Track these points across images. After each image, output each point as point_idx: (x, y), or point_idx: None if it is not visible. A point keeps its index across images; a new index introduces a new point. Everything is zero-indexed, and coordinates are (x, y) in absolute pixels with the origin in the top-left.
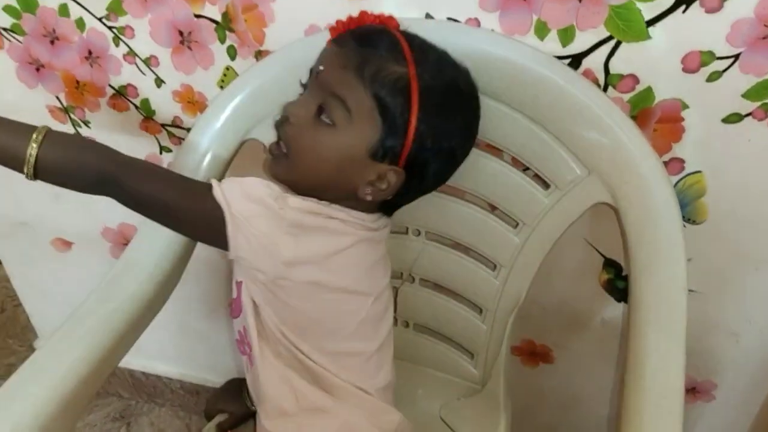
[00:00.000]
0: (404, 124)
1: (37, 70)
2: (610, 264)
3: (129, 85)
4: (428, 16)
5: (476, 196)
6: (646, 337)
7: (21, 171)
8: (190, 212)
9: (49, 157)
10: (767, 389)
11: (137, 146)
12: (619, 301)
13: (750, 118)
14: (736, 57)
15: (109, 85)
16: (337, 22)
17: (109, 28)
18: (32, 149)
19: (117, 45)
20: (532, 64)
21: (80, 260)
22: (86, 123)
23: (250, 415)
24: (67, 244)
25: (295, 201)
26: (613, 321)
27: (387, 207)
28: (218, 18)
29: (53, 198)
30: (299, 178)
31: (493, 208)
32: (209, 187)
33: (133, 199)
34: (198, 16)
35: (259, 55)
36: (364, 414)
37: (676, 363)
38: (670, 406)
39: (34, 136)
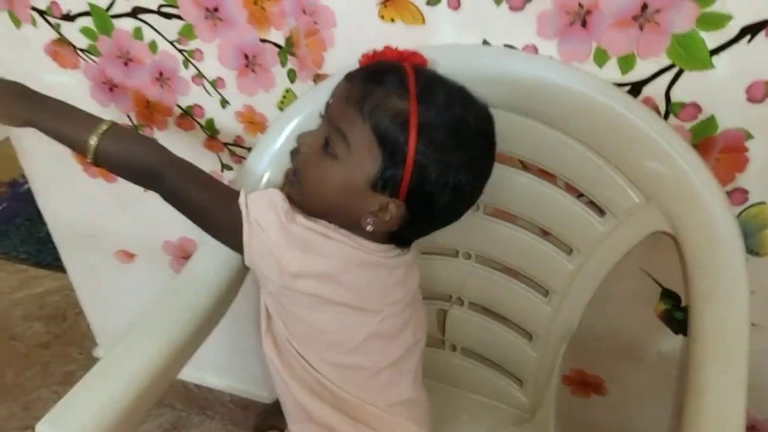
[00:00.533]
0: (402, 156)
1: (110, 89)
2: (667, 294)
3: (195, 105)
4: (485, 42)
5: (529, 221)
6: (706, 370)
7: (87, 157)
8: (216, 213)
9: (108, 149)
10: None
11: (201, 163)
12: (676, 333)
13: None
14: None
15: (177, 105)
16: (363, 55)
17: (180, 51)
18: (93, 140)
19: (186, 67)
20: (589, 91)
21: (141, 272)
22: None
23: None
24: (130, 256)
25: (304, 220)
26: (669, 354)
27: (398, 238)
28: (282, 42)
29: (118, 211)
30: (308, 204)
31: (545, 234)
32: (237, 193)
33: (171, 194)
34: (263, 41)
35: (317, 78)
36: (371, 429)
37: (737, 398)
38: None
39: (99, 128)
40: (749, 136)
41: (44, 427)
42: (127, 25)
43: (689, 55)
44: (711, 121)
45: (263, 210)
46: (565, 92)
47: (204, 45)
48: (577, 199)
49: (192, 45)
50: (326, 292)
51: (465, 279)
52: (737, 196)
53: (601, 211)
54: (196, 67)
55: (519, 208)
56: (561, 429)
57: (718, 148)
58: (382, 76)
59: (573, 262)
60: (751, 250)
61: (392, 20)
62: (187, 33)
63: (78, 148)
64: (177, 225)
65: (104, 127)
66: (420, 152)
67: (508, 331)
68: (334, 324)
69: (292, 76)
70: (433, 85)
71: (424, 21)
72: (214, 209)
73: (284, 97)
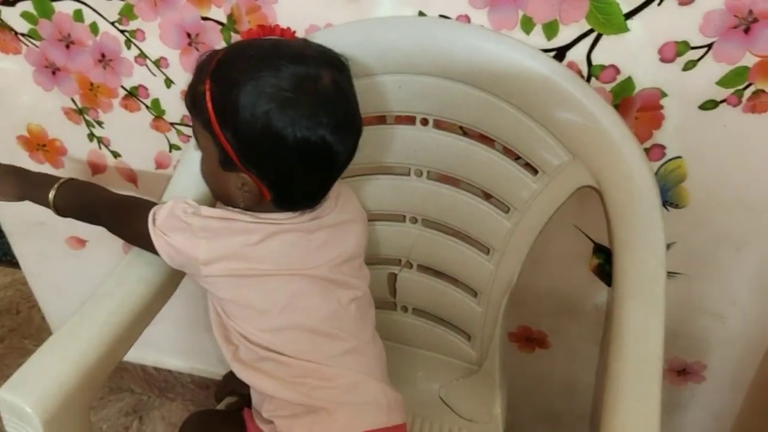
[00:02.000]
0: (216, 135)
1: (53, 73)
2: (599, 249)
3: (140, 86)
4: (421, 13)
5: (470, 183)
6: (627, 308)
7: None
8: (135, 231)
9: (61, 203)
10: (754, 368)
11: (148, 144)
12: (609, 285)
13: (725, 104)
14: (710, 46)
15: (122, 87)
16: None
17: (122, 31)
18: (51, 195)
19: (129, 48)
20: (518, 57)
21: (94, 258)
22: (100, 123)
23: None
24: (82, 242)
25: (207, 210)
26: (604, 306)
27: (289, 203)
28: (224, 20)
29: None
30: (212, 195)
31: (487, 196)
32: (151, 207)
33: (109, 229)
34: (205, 18)
35: None
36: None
37: (656, 331)
38: (651, 372)
39: (55, 185)
40: (664, 95)
41: (6, 393)
42: (67, 7)
43: (606, 19)
44: (629, 82)
45: (164, 217)
46: (496, 59)
47: (145, 24)
48: (515, 161)
49: (133, 25)
50: (239, 270)
51: (413, 243)
52: (655, 152)
53: (534, 171)
54: (138, 48)
55: (461, 172)
56: (506, 377)
57: (637, 107)
58: (197, 70)
59: (510, 220)
60: (671, 203)
61: None
62: (128, 13)
63: (48, 205)
64: None
65: (58, 183)
66: (224, 126)
67: (454, 290)
68: (256, 294)
69: None
70: (233, 60)
71: None
72: (133, 230)
73: None
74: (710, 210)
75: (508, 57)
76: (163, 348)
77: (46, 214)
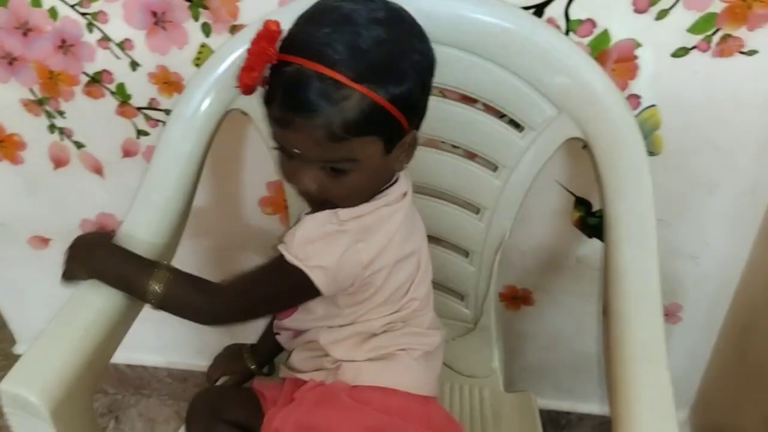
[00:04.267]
0: (391, 120)
1: (10, 63)
2: (580, 202)
3: (104, 71)
4: None
5: (455, 145)
6: (623, 251)
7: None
8: (286, 291)
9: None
10: (727, 306)
11: (113, 132)
12: (590, 237)
13: (695, 50)
14: None
15: (84, 73)
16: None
17: (83, 14)
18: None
19: (91, 31)
20: (500, 17)
21: (58, 258)
22: (61, 113)
23: (251, 376)
24: (45, 242)
25: (346, 213)
26: (587, 258)
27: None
28: None
29: (28, 194)
30: (351, 205)
31: (471, 155)
32: (282, 259)
33: (245, 317)
34: None
35: (234, 29)
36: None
37: (652, 269)
38: (651, 306)
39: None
40: (638, 45)
41: (8, 385)
42: None
43: None
44: (605, 35)
45: (307, 250)
46: (478, 20)
47: (108, 6)
48: (500, 119)
49: (95, 7)
50: (392, 257)
51: None
52: (631, 101)
53: (520, 128)
54: (101, 30)
55: (446, 134)
56: (501, 332)
57: (613, 59)
58: (312, 100)
59: (499, 177)
60: (647, 151)
61: None
62: None
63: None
64: (94, 201)
65: (166, 279)
66: (401, 106)
67: (447, 252)
68: (404, 276)
69: (206, 29)
70: (336, 48)
71: None
72: (281, 292)
73: (200, 52)
74: (683, 155)
75: (489, 18)
76: (135, 344)
77: (6, 213)
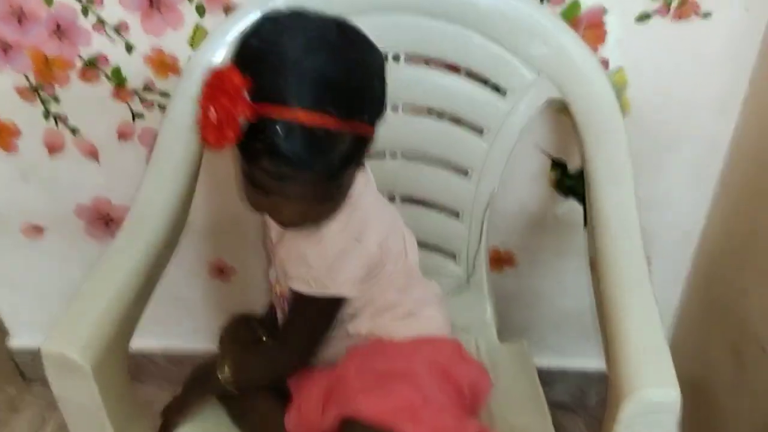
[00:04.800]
0: (369, 140)
1: (4, 51)
2: (557, 164)
3: (99, 55)
4: None
5: (443, 112)
6: (604, 198)
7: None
8: (329, 314)
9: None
10: (691, 256)
11: (109, 115)
12: (566, 196)
13: (656, 15)
14: None
15: (79, 57)
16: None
17: None
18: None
19: (86, 15)
20: None
21: (52, 246)
22: (56, 99)
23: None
24: (39, 230)
25: (335, 227)
26: (564, 217)
27: None
28: None
29: (21, 182)
30: (329, 220)
31: (456, 120)
32: (315, 298)
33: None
34: None
35: (228, 9)
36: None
37: (631, 208)
38: (634, 244)
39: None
40: (605, 12)
41: (50, 345)
42: None
43: None
44: (575, 4)
45: (331, 276)
46: None
47: None
48: (484, 85)
49: None
50: (384, 229)
51: (395, 176)
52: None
53: (503, 92)
54: (96, 14)
55: (434, 102)
56: (492, 287)
57: (583, 26)
58: (308, 148)
59: (486, 140)
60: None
61: None
62: None
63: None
64: (89, 185)
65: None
66: (371, 120)
67: (438, 215)
68: (398, 239)
69: (200, 11)
70: (303, 86)
71: None
72: (326, 323)
73: (195, 33)
74: (649, 114)
75: None
76: None
77: None
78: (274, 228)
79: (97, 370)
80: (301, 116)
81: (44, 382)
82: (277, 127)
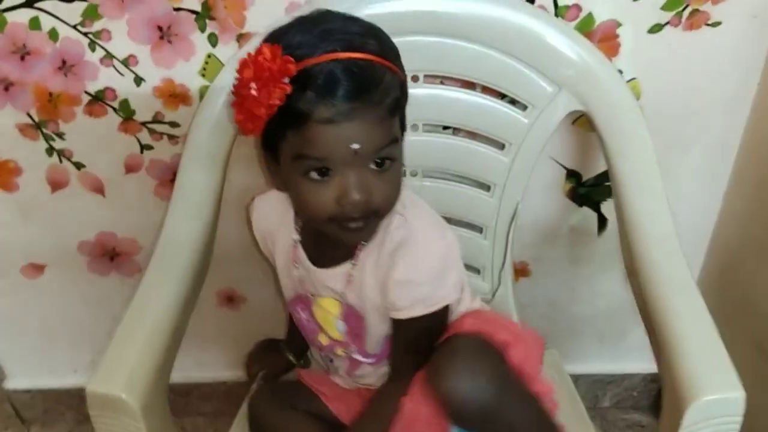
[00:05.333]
0: (405, 96)
1: (6, 89)
2: (571, 174)
3: (107, 88)
4: None
5: (462, 128)
6: (634, 204)
7: None
8: (442, 323)
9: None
10: (704, 255)
11: (116, 149)
12: (580, 206)
13: (668, 26)
14: None
15: (85, 92)
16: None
17: (85, 34)
18: None
19: (93, 50)
20: (500, 8)
21: (53, 285)
22: (60, 135)
23: (288, 369)
24: (39, 269)
25: (418, 223)
26: (579, 226)
27: None
28: (198, 8)
29: (22, 221)
30: (392, 206)
31: (477, 137)
32: (432, 313)
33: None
34: (177, 9)
35: (241, 38)
36: None
37: (665, 212)
38: (672, 246)
39: None
40: (619, 24)
41: (96, 386)
42: (22, 16)
43: None
44: (589, 18)
45: (443, 285)
46: (479, 12)
47: (111, 23)
48: (501, 100)
49: (98, 25)
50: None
51: (417, 194)
52: None
53: (523, 107)
54: (104, 48)
55: (454, 119)
56: (518, 300)
57: (597, 39)
58: (362, 78)
59: (507, 155)
60: None
61: None
62: (92, 13)
63: None
64: (92, 221)
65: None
66: (402, 74)
67: (462, 230)
68: None
69: (213, 40)
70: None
71: None
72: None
73: (206, 63)
74: (661, 120)
75: (490, 9)
76: None
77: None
78: (314, 283)
79: (145, 408)
80: (342, 55)
81: (43, 423)
82: (322, 67)
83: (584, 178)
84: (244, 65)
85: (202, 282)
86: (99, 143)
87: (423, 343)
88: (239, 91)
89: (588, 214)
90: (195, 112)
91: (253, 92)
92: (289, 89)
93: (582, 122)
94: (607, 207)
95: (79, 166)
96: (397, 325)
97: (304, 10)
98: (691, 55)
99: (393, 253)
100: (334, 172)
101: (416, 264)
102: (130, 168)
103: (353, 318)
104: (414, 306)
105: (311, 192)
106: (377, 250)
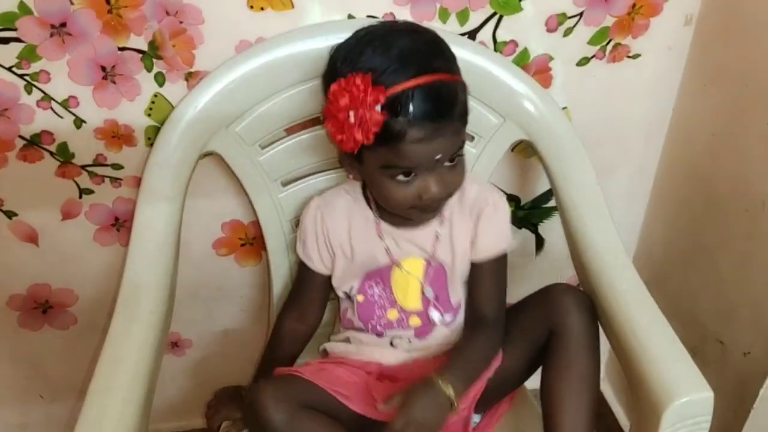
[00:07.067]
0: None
1: None
2: (511, 198)
3: (44, 131)
4: (350, 16)
5: None
6: (583, 223)
7: None
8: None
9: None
10: None
11: (52, 195)
12: (519, 228)
13: (594, 59)
14: (581, 14)
15: (20, 137)
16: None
17: (21, 76)
18: None
19: (29, 92)
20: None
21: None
22: None
23: None
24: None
25: (476, 187)
26: (518, 247)
27: None
28: (144, 48)
29: None
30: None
31: None
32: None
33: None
34: (122, 49)
35: (190, 76)
36: None
37: (611, 228)
38: (622, 262)
39: None
40: (551, 58)
41: None
42: None
43: (505, 2)
44: (525, 52)
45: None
46: None
47: (50, 64)
48: None
49: (35, 67)
50: None
51: None
52: None
53: (471, 137)
54: (41, 90)
55: None
56: None
57: (532, 72)
58: (444, 99)
59: None
60: None
61: (261, 9)
62: (29, 55)
63: None
64: (25, 273)
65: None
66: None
67: None
68: None
69: (160, 79)
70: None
71: (292, 5)
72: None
73: (153, 102)
74: (590, 146)
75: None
76: None
77: None
78: (401, 246)
79: None
80: (421, 80)
81: None
82: (407, 93)
83: (522, 202)
84: (338, 93)
85: (169, 324)
86: (33, 190)
87: (503, 286)
88: (336, 115)
89: (527, 236)
90: (149, 153)
91: (351, 119)
92: (383, 118)
93: (520, 149)
94: (543, 228)
95: (10, 215)
96: (483, 269)
97: (364, 23)
98: (615, 85)
99: (474, 204)
100: (416, 175)
101: (498, 206)
102: (68, 214)
103: (437, 276)
104: (499, 242)
105: (397, 190)
106: (458, 207)
